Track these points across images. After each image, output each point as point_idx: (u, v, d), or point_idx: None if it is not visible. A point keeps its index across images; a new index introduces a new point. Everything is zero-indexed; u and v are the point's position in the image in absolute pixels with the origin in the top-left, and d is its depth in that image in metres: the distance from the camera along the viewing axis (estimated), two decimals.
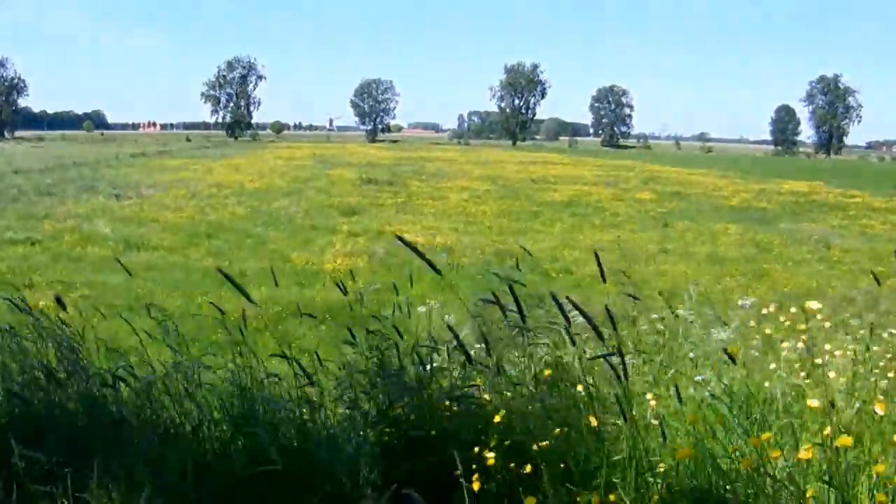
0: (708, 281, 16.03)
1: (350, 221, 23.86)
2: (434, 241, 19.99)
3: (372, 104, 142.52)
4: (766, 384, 3.68)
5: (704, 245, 21.41)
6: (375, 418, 3.49)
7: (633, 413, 3.01)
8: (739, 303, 4.83)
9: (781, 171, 61.62)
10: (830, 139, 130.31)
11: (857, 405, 3.30)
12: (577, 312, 3.73)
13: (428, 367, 3.76)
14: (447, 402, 3.37)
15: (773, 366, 4.02)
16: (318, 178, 39.87)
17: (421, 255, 2.77)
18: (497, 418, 3.02)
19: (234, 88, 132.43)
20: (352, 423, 3.49)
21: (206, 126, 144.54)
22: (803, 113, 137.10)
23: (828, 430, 2.88)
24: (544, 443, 2.91)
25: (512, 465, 2.90)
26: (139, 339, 4.19)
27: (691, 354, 4.43)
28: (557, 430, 3.06)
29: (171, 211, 25.00)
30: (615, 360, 3.68)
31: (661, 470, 2.78)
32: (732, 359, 2.98)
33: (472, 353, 3.73)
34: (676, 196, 35.54)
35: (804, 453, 2.79)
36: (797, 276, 16.63)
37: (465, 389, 3.52)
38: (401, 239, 3.01)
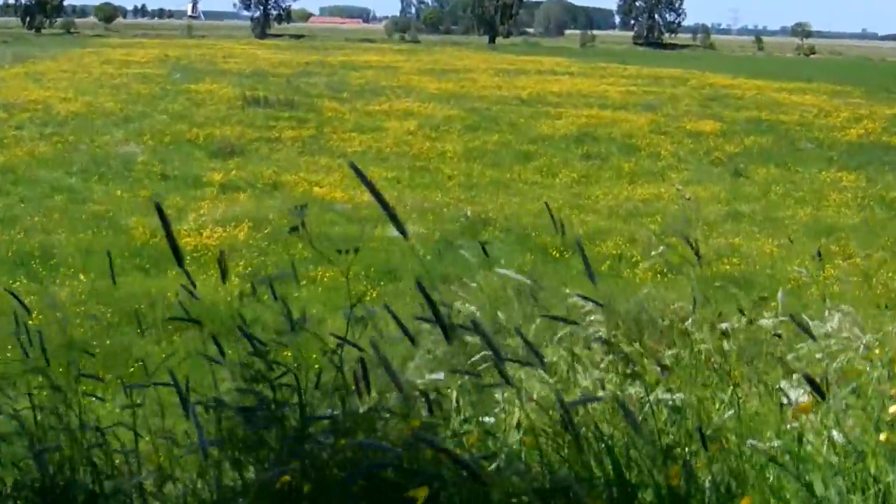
0: (806, 265, 16.17)
1: (226, 167, 23.83)
2: (359, 198, 19.90)
3: None
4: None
5: (802, 205, 21.65)
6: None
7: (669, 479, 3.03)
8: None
9: None
10: None
11: None
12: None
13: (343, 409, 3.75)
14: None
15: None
16: (172, 95, 39.56)
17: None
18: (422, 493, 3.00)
19: None
20: None
21: None
22: None
23: None
24: None
25: None
26: None
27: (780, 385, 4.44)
28: None
29: None
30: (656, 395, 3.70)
31: None
32: (820, 390, 2.99)
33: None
34: (756, 126, 35.81)
35: None
36: None
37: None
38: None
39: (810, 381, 3.08)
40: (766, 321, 4.92)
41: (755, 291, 10.32)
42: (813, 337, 4.34)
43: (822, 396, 3.07)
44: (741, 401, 4.18)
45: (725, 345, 4.84)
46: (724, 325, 4.99)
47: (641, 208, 20.43)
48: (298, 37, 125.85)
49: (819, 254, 8.96)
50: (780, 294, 5.27)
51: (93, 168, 23.21)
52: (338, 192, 20.69)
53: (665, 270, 15.62)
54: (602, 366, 4.77)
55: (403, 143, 28.57)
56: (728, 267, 15.89)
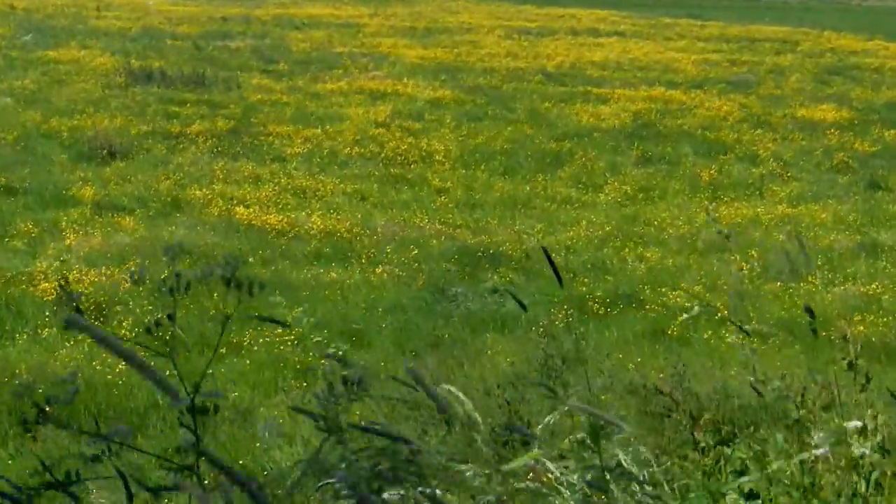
0: None
1: (102, 176, 23.75)
2: (306, 223, 19.92)
3: None
4: None
5: None
6: None
7: None
8: None
9: None
10: None
11: None
12: None
13: None
14: None
15: None
16: (21, 67, 39.87)
17: None
18: None
19: None
20: None
21: None
22: None
23: None
24: None
25: None
26: None
27: None
28: None
29: None
30: None
31: None
32: None
33: None
34: None
35: None
36: None
37: None
38: None
39: None
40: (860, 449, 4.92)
41: None
42: None
43: None
44: None
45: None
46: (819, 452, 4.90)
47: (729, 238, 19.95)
48: None
49: None
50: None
51: None
52: (272, 215, 20.38)
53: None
54: None
55: (370, 141, 28.61)
56: (862, 328, 15.25)
